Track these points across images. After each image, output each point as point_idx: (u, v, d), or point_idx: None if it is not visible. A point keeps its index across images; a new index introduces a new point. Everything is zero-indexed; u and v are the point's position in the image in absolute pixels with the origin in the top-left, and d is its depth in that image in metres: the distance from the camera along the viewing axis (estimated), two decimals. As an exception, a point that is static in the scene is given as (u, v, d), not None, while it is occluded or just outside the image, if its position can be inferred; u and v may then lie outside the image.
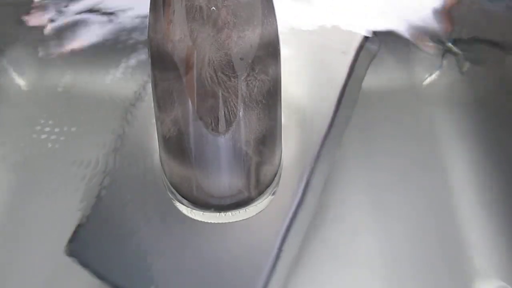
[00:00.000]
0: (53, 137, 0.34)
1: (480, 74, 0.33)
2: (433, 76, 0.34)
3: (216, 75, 0.21)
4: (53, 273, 0.30)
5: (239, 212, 0.26)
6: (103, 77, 0.36)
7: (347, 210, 0.31)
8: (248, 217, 0.26)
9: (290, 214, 0.27)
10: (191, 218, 0.27)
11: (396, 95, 0.33)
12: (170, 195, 0.27)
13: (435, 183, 0.32)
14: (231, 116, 0.22)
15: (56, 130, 0.34)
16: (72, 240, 0.28)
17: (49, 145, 0.33)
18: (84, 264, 0.28)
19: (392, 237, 0.30)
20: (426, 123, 0.33)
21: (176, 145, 0.24)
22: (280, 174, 0.27)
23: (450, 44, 0.33)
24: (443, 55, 0.34)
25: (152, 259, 0.27)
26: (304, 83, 0.30)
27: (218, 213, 0.26)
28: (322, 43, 0.30)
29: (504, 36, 0.32)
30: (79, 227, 0.28)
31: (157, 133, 0.25)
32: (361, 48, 0.30)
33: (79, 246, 0.28)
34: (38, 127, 0.34)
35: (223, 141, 0.23)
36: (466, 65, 0.33)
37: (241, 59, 0.21)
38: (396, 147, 0.32)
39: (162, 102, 0.23)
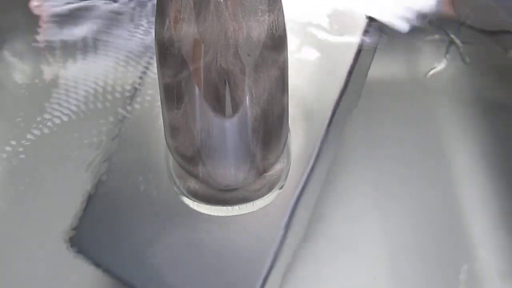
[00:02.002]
0: (52, 125, 0.33)
1: (484, 65, 0.34)
2: (437, 67, 0.34)
3: (223, 69, 0.21)
4: (55, 266, 0.30)
5: (246, 205, 0.26)
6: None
7: (350, 200, 0.31)
8: (254, 210, 0.26)
9: (292, 205, 0.28)
10: (195, 211, 0.27)
11: (400, 86, 0.33)
12: (175, 188, 0.27)
13: (439, 173, 0.32)
14: (238, 106, 0.22)
15: (57, 116, 0.33)
16: (74, 231, 0.28)
17: (48, 133, 0.33)
18: (86, 256, 0.28)
19: (396, 227, 0.31)
20: (430, 114, 0.33)
21: (183, 136, 0.24)
22: (289, 168, 0.27)
23: (453, 35, 0.33)
24: (447, 46, 0.34)
25: (155, 252, 0.27)
26: (307, 74, 0.30)
27: (225, 207, 0.26)
28: (325, 33, 0.30)
29: (507, 26, 0.32)
30: (81, 218, 0.28)
31: (164, 125, 0.25)
32: (363, 38, 0.30)
33: (82, 238, 0.28)
34: (38, 117, 0.34)
35: (230, 131, 0.22)
36: (470, 56, 0.34)
37: (249, 53, 0.21)
38: (400, 138, 0.32)
39: (169, 95, 0.23)
